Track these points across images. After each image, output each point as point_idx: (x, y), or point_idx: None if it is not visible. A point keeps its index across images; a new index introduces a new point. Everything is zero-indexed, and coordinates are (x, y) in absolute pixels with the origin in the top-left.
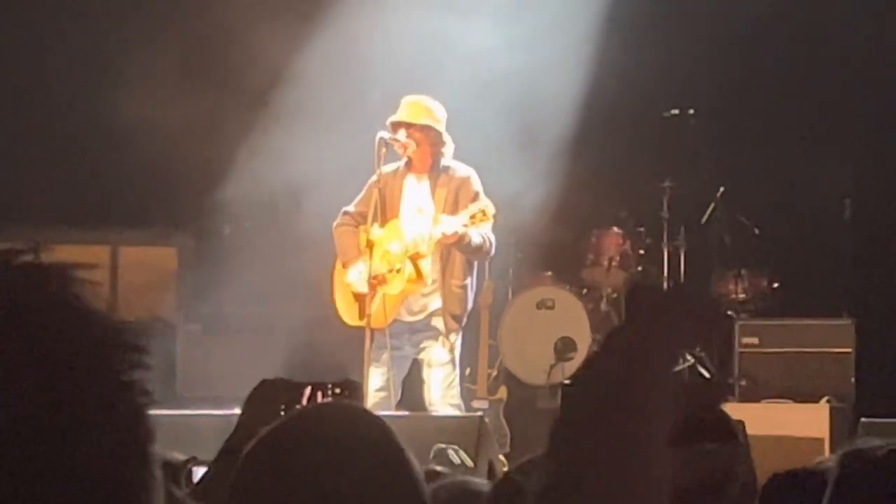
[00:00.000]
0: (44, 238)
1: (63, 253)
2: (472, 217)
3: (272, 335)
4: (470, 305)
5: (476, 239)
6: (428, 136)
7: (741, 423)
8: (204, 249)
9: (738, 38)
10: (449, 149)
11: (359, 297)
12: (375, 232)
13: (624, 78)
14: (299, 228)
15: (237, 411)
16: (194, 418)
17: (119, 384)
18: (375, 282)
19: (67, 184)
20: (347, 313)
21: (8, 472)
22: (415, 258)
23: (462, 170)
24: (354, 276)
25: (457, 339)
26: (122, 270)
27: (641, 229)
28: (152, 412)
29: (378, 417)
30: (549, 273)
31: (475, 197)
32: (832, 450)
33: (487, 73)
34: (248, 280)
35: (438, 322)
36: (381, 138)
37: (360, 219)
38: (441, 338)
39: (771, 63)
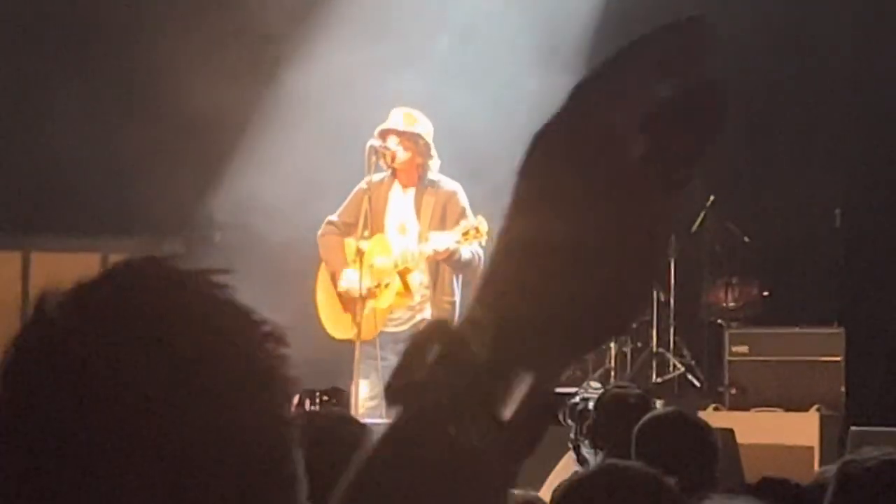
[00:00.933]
0: (35, 246)
1: (52, 261)
2: (465, 234)
3: None
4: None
5: (466, 255)
6: (417, 146)
7: (731, 430)
8: (195, 256)
9: (727, 46)
10: (435, 163)
11: (348, 307)
12: (363, 244)
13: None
14: (289, 236)
15: None
16: None
17: (270, 376)
18: (365, 295)
19: (57, 192)
20: (333, 326)
21: (171, 463)
22: (403, 273)
23: (449, 184)
24: (347, 283)
25: None
26: None
27: None
28: None
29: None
30: None
31: (462, 212)
32: (822, 458)
33: (478, 77)
34: (238, 287)
35: None
36: (372, 146)
37: (344, 228)
38: None
39: (761, 71)
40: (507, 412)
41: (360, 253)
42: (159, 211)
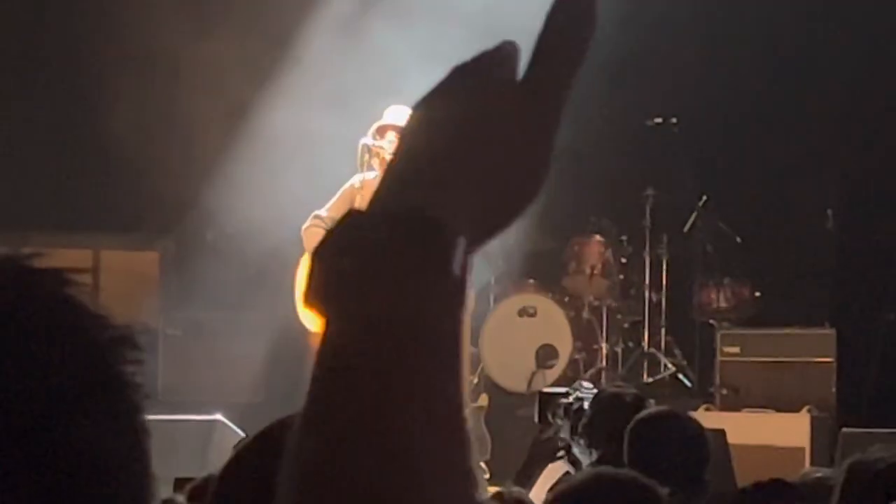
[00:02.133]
0: (25, 242)
1: (45, 257)
2: None
3: (253, 341)
4: None
5: None
6: None
7: (722, 431)
8: (186, 254)
9: (721, 47)
10: None
11: None
12: None
13: (607, 87)
14: (281, 234)
15: (218, 417)
16: (175, 423)
17: (119, 382)
18: None
19: (50, 187)
20: (311, 319)
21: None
22: None
23: None
24: None
25: None
26: (103, 275)
27: (624, 238)
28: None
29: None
30: (532, 281)
31: None
32: (813, 459)
33: None
34: (229, 285)
35: None
36: (365, 144)
37: (331, 223)
38: None
39: (754, 73)
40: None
41: None
42: (152, 209)
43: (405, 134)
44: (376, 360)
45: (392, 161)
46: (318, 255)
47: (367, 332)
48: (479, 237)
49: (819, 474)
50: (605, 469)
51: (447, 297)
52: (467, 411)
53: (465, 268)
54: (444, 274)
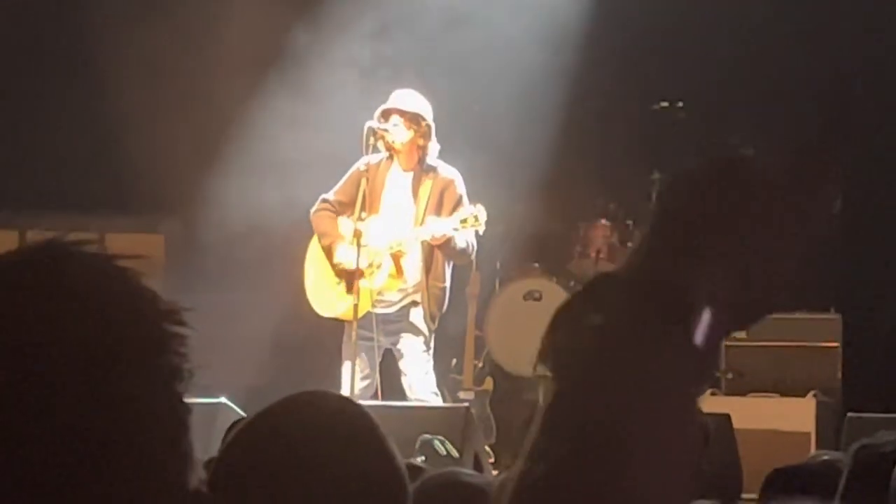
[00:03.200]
0: (31, 225)
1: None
2: (464, 221)
3: (259, 323)
4: (447, 305)
5: (461, 243)
6: (420, 128)
7: (727, 416)
8: (192, 236)
9: (728, 29)
10: (434, 148)
11: (342, 275)
12: (360, 225)
13: (613, 70)
14: (289, 215)
15: (222, 399)
16: None
17: (161, 349)
18: (357, 274)
19: (54, 169)
20: (321, 303)
21: (53, 442)
22: (396, 256)
23: (447, 171)
24: (343, 256)
25: (432, 335)
26: None
27: (629, 222)
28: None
29: (360, 406)
30: (537, 265)
31: (459, 200)
32: (818, 444)
33: (473, 63)
34: (235, 268)
35: (416, 317)
36: (370, 127)
37: (338, 206)
38: (418, 332)
39: (761, 55)
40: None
41: (357, 234)
42: (158, 189)
43: (663, 196)
44: (601, 427)
45: (652, 224)
46: (561, 311)
47: (598, 395)
48: (738, 317)
49: (826, 457)
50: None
51: (681, 369)
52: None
53: (711, 342)
54: (680, 345)
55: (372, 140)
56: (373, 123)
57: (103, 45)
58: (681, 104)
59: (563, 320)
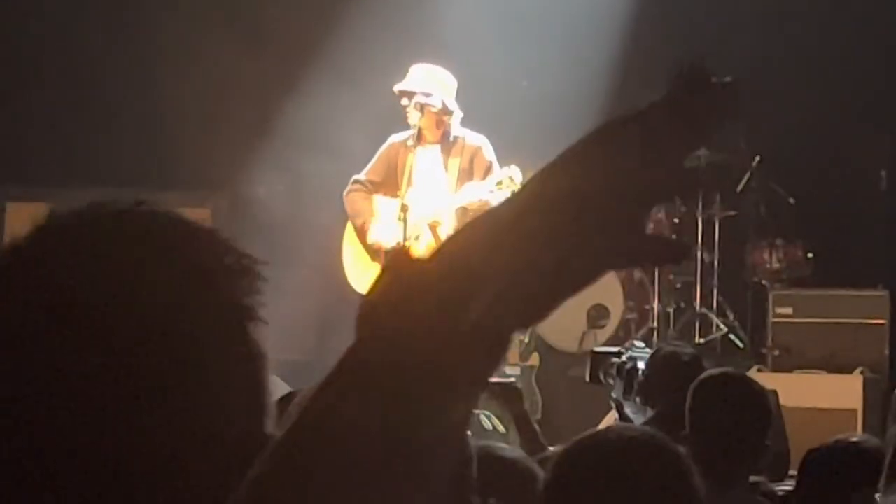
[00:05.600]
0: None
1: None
2: (499, 184)
3: (305, 298)
4: None
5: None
6: (434, 105)
7: (774, 392)
8: (238, 211)
9: (775, 5)
10: (457, 116)
11: (376, 260)
12: (398, 201)
13: (660, 42)
14: (336, 192)
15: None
16: None
17: (233, 306)
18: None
19: (101, 146)
20: (359, 280)
21: (137, 387)
22: (434, 226)
23: (474, 138)
24: (378, 235)
25: None
26: None
27: (676, 198)
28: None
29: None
30: None
31: (490, 166)
32: (865, 421)
33: (523, 39)
34: (280, 242)
35: None
36: (403, 105)
37: (371, 186)
38: None
39: (806, 33)
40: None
41: (404, 208)
42: (203, 166)
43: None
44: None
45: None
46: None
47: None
48: (515, 321)
49: (855, 439)
50: (622, 425)
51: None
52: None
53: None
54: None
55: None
56: (405, 101)
57: (151, 25)
58: (728, 79)
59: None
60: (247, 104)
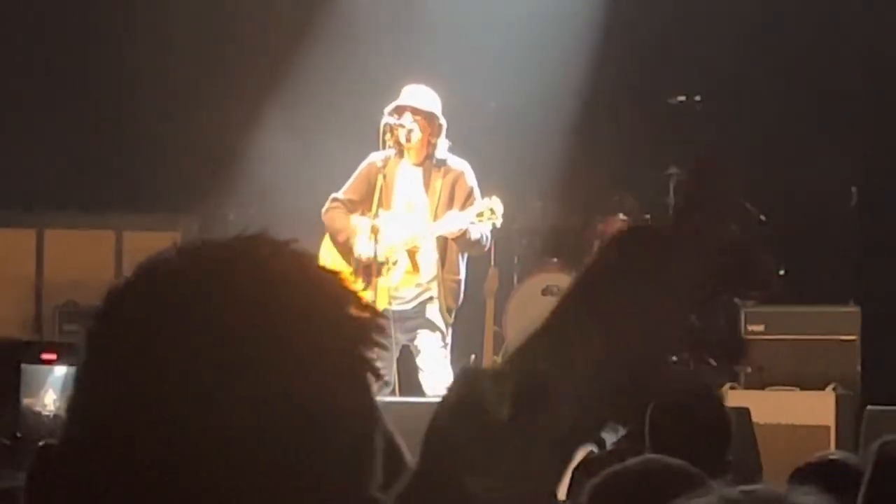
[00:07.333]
0: (48, 223)
1: (66, 238)
2: (480, 215)
3: None
4: (462, 298)
5: (475, 235)
6: (431, 124)
7: (746, 409)
8: (208, 234)
9: (744, 24)
10: (443, 143)
11: (359, 277)
12: (377, 221)
13: (629, 64)
14: (304, 214)
15: None
16: None
17: (360, 364)
18: (377, 271)
19: (71, 168)
20: None
21: (253, 435)
22: (412, 251)
23: (457, 163)
24: (363, 248)
25: (449, 329)
26: (126, 255)
27: (647, 216)
28: None
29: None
30: (555, 260)
31: (470, 192)
32: (838, 437)
33: (489, 59)
34: None
35: (432, 312)
36: (388, 123)
37: (349, 205)
38: (435, 328)
39: (777, 50)
40: (525, 468)
41: (374, 230)
42: (174, 189)
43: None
44: None
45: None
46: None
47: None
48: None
49: (834, 456)
50: (654, 457)
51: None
52: None
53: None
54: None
55: (388, 136)
56: (390, 119)
57: (121, 44)
58: (698, 98)
59: (445, 409)
60: (217, 126)
